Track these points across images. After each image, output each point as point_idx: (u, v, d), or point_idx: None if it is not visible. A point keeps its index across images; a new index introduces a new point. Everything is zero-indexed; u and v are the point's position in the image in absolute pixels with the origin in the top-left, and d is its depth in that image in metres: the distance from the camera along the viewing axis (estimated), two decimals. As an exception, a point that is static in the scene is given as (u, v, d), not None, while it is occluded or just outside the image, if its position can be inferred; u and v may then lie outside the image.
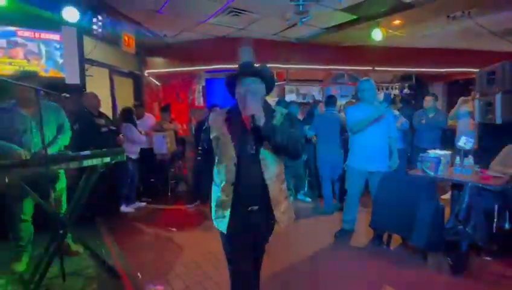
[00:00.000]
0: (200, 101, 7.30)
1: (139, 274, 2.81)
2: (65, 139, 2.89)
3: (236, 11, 4.51)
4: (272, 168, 1.72)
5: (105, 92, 5.34)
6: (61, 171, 2.88)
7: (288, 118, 1.77)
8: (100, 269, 2.78)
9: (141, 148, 4.83)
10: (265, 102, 1.77)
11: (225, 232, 1.73)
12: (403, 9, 4.28)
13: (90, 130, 3.85)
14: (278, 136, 1.62)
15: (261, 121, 1.59)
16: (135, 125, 4.71)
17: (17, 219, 2.73)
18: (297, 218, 4.10)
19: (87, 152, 2.64)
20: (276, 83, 7.21)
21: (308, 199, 4.93)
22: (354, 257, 3.16)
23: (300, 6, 3.67)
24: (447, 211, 2.98)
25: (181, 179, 5.87)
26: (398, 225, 3.08)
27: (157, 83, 7.03)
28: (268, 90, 1.77)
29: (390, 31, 5.10)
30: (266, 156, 1.70)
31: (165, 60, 6.64)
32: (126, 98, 6.04)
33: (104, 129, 3.99)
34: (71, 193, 2.88)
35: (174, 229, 3.92)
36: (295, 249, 3.27)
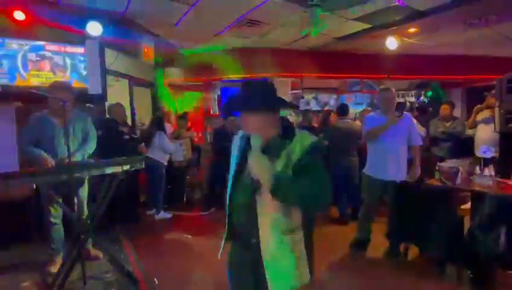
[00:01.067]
0: (215, 109, 7.44)
1: (155, 280, 2.87)
2: (90, 147, 3.02)
3: (251, 22, 4.63)
4: (268, 214, 1.28)
5: (124, 102, 5.54)
6: (85, 178, 3.01)
7: (312, 153, 1.27)
8: (119, 274, 2.86)
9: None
10: (286, 128, 1.35)
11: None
12: (418, 18, 4.27)
13: (113, 137, 4.03)
14: (289, 196, 1.21)
15: (266, 185, 1.20)
16: (165, 132, 4.81)
17: (48, 222, 2.87)
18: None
19: (107, 160, 2.76)
20: (290, 92, 7.25)
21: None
22: (371, 267, 3.11)
23: (314, 17, 3.72)
24: (467, 221, 2.90)
25: (196, 186, 5.96)
26: (416, 235, 3.02)
27: (173, 92, 7.22)
28: (276, 106, 1.35)
29: (405, 39, 5.08)
30: (265, 195, 1.24)
31: (182, 70, 6.83)
32: (144, 107, 6.24)
33: (126, 137, 4.16)
34: (91, 200, 3.01)
35: (190, 236, 3.98)
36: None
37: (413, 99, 7.49)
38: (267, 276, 1.27)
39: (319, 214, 4.70)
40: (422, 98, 7.52)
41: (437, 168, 3.33)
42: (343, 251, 3.43)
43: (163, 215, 4.65)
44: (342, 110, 4.63)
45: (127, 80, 5.69)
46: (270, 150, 1.28)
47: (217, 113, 7.23)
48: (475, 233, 2.66)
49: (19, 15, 3.58)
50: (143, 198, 5.06)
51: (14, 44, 3.82)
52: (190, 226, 4.43)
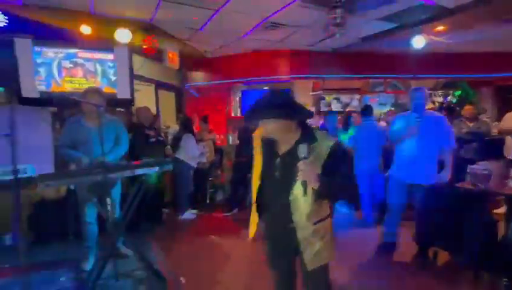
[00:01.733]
0: (236, 111, 7.53)
1: (182, 279, 2.94)
2: (121, 149, 3.15)
3: (273, 25, 4.66)
4: (302, 207, 1.52)
5: (150, 105, 5.74)
6: (118, 179, 3.14)
7: (336, 152, 1.47)
8: (147, 272, 2.96)
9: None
10: (308, 129, 1.55)
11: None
12: (446, 16, 4.14)
13: (140, 139, 4.18)
14: (331, 195, 1.55)
15: (314, 185, 1.41)
16: (193, 134, 4.81)
17: (82, 221, 3.02)
18: (335, 229, 4.09)
19: (138, 162, 2.87)
20: (311, 93, 7.23)
21: (346, 210, 4.84)
22: (398, 273, 3.04)
23: (338, 18, 3.70)
24: (501, 226, 2.78)
25: (219, 187, 6.05)
26: (446, 240, 2.93)
27: (196, 95, 7.38)
28: (301, 119, 1.54)
29: (433, 37, 4.93)
30: (297, 192, 1.49)
31: (204, 74, 6.98)
32: (169, 110, 6.42)
33: (152, 139, 4.29)
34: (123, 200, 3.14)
35: (213, 236, 4.05)
36: (333, 263, 3.23)
37: (440, 99, 7.24)
38: (303, 255, 1.57)
39: (343, 217, 4.64)
40: (450, 97, 7.25)
41: (468, 170, 3.22)
42: (367, 254, 3.38)
43: (188, 215, 4.73)
44: (366, 111, 4.56)
45: (153, 84, 5.89)
46: (300, 153, 1.41)
47: (238, 116, 7.32)
48: (511, 238, 2.56)
49: (56, 25, 3.79)
50: (167, 198, 5.20)
51: (50, 52, 4.06)
52: (213, 227, 4.50)
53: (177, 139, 4.67)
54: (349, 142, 4.48)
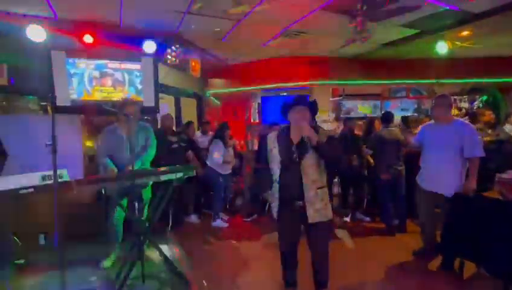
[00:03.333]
0: (255, 117, 7.61)
1: (204, 282, 3.02)
2: (149, 154, 3.30)
3: (294, 33, 4.73)
4: (309, 175, 2.24)
5: (173, 112, 5.94)
6: (149, 183, 3.27)
7: (331, 139, 2.29)
8: (172, 274, 3.06)
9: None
10: (316, 124, 2.33)
11: (275, 216, 2.39)
12: (472, 21, 4.05)
13: (163, 146, 4.31)
14: (325, 151, 2.21)
15: (313, 141, 2.16)
16: (224, 142, 4.64)
17: (110, 222, 3.20)
18: (356, 237, 4.06)
19: (164, 168, 2.99)
20: (330, 99, 7.18)
21: (367, 218, 4.78)
22: (422, 281, 2.98)
23: (359, 26, 3.72)
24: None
25: (239, 193, 6.12)
26: (473, 251, 2.85)
27: (216, 102, 7.54)
28: (313, 116, 2.36)
29: (457, 43, 4.83)
30: (308, 165, 2.24)
31: (224, 81, 7.13)
32: (191, 117, 6.60)
33: (175, 146, 4.43)
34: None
35: (234, 241, 4.11)
36: (355, 272, 3.21)
37: (466, 104, 7.01)
38: (307, 212, 2.26)
39: (365, 226, 4.54)
40: (476, 103, 7.00)
41: (496, 179, 3.12)
42: (389, 262, 3.33)
43: (220, 223, 4.63)
44: (386, 117, 4.49)
45: (176, 92, 6.09)
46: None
47: (257, 121, 7.39)
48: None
49: (87, 38, 4.04)
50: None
51: (82, 63, 4.31)
52: (234, 232, 4.56)
53: (182, 147, 4.57)
54: (367, 150, 4.43)
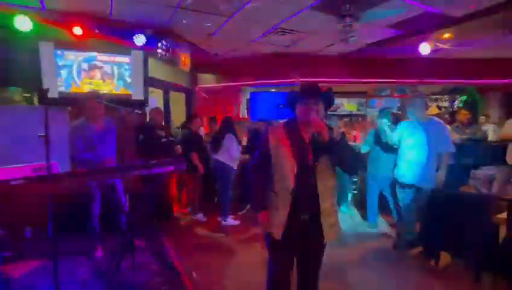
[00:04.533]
0: (244, 113, 7.68)
1: (194, 273, 3.09)
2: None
3: (283, 31, 4.80)
4: (326, 181, 1.80)
5: (161, 106, 5.92)
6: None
7: (343, 137, 1.86)
8: (161, 266, 3.12)
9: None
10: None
11: (278, 237, 1.79)
12: (454, 24, 4.23)
13: (152, 140, 4.33)
14: (341, 151, 1.77)
15: (326, 136, 1.68)
16: (235, 135, 4.52)
17: (91, 214, 3.25)
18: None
19: (154, 161, 3.03)
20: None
21: (353, 213, 4.93)
22: (400, 273, 3.15)
23: (347, 26, 3.83)
24: (503, 230, 2.88)
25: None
26: (448, 242, 3.03)
27: (206, 96, 7.55)
28: (326, 109, 1.88)
29: (439, 44, 5.03)
30: (323, 168, 1.78)
31: (214, 76, 7.14)
32: (179, 111, 6.60)
33: (164, 140, 4.44)
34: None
35: (224, 234, 4.19)
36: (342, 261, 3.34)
37: (446, 104, 7.30)
38: (323, 227, 1.78)
39: (347, 218, 4.64)
40: (456, 102, 7.30)
41: (471, 175, 3.32)
42: (371, 253, 3.49)
43: (231, 221, 4.49)
44: (381, 115, 4.50)
45: (165, 86, 6.07)
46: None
47: (246, 117, 7.45)
48: None
49: (77, 30, 3.99)
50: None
51: (71, 55, 4.26)
52: (225, 225, 4.60)
53: (217, 140, 4.47)
54: (365, 146, 4.51)
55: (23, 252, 3.32)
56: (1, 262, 2.86)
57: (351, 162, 1.86)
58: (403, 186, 3.40)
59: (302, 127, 1.81)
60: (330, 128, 1.76)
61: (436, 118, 3.42)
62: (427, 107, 3.47)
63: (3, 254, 3.08)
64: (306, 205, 1.78)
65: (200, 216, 4.71)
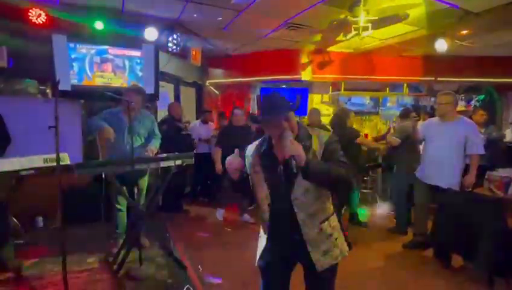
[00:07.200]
0: (254, 108, 7.64)
1: (199, 267, 3.11)
2: (153, 145, 3.30)
3: (294, 26, 4.74)
4: (308, 208, 1.50)
5: (172, 100, 5.95)
6: (147, 170, 3.30)
7: (329, 147, 1.51)
8: (168, 259, 3.14)
9: (199, 153, 4.94)
10: (303, 128, 1.56)
11: (261, 261, 1.66)
12: (472, 20, 4.08)
13: (174, 132, 4.44)
14: (317, 176, 1.41)
15: (302, 162, 1.35)
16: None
17: (114, 209, 3.23)
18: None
19: (163, 155, 3.04)
20: (330, 93, 7.19)
21: (363, 211, 4.87)
22: (410, 275, 3.09)
23: (361, 21, 3.74)
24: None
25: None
26: (460, 244, 2.95)
27: (216, 92, 7.54)
28: (293, 110, 1.54)
29: (457, 41, 4.87)
30: (298, 195, 1.49)
31: (224, 71, 7.13)
32: (190, 106, 6.62)
33: (184, 132, 4.52)
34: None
35: (229, 229, 4.20)
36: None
37: (463, 103, 7.09)
38: (311, 256, 1.52)
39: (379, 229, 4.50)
40: (473, 102, 7.08)
41: (486, 176, 3.21)
42: (381, 253, 3.43)
43: (248, 218, 4.41)
44: (402, 114, 4.23)
45: (176, 80, 6.10)
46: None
47: (256, 113, 7.42)
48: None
49: (90, 23, 4.03)
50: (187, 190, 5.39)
51: (83, 48, 4.30)
52: (231, 219, 4.60)
53: (188, 134, 4.72)
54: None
55: (35, 242, 3.41)
56: (13, 250, 2.92)
57: (329, 186, 1.51)
58: (424, 187, 3.34)
59: (275, 146, 1.51)
60: (306, 147, 1.44)
61: (466, 118, 3.31)
62: (456, 105, 3.34)
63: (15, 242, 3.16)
64: (285, 234, 1.56)
65: (246, 217, 4.46)
